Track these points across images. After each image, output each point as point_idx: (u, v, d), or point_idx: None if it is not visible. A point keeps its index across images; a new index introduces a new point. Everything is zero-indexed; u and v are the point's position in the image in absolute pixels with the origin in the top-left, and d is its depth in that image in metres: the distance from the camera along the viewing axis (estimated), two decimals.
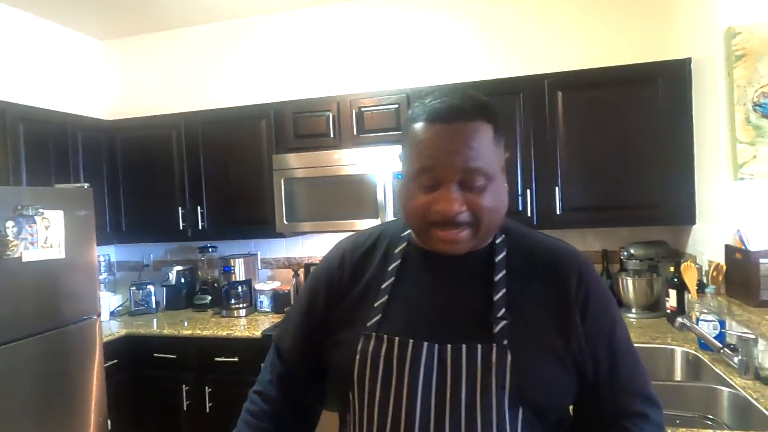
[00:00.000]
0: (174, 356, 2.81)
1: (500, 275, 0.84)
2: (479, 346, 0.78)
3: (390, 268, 0.89)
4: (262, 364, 1.04)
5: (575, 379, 0.82)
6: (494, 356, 0.77)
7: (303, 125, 2.91)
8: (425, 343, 0.80)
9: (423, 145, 0.79)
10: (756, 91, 2.03)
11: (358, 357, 0.83)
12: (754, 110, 2.04)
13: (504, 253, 0.86)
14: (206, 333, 2.76)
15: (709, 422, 1.67)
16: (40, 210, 2.16)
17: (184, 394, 2.78)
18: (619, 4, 2.77)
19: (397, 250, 0.91)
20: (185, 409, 2.78)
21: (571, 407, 0.88)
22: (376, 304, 0.86)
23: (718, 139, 2.14)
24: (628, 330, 0.88)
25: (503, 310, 0.80)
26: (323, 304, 0.92)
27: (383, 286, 0.87)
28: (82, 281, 2.46)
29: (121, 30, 3.46)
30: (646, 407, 0.84)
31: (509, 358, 0.77)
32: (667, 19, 2.68)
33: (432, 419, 0.77)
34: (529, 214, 2.60)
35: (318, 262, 1.02)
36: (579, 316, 0.82)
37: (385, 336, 0.82)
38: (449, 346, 0.79)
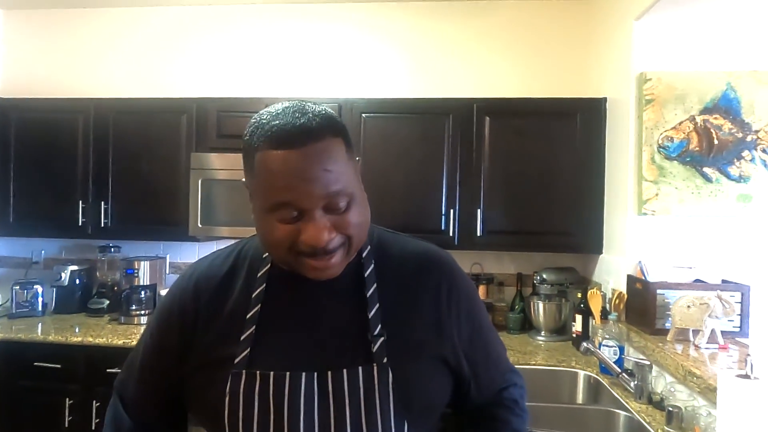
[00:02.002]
0: (59, 365, 2.51)
1: (371, 290, 0.81)
2: (360, 368, 0.76)
3: (254, 295, 0.80)
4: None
5: (452, 378, 0.85)
6: (375, 376, 0.76)
7: (228, 125, 2.77)
8: (303, 374, 0.75)
9: (275, 177, 0.70)
10: (661, 134, 2.21)
11: (228, 399, 0.75)
12: (659, 152, 2.21)
13: (372, 266, 0.83)
14: (99, 341, 2.50)
15: None
16: None
17: (67, 409, 2.50)
18: (547, 39, 2.92)
19: (260, 274, 0.83)
20: (66, 425, 2.49)
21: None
22: (242, 337, 0.78)
23: (626, 175, 2.29)
24: (486, 311, 0.96)
25: (379, 327, 0.78)
26: (177, 343, 0.82)
27: (248, 315, 0.79)
28: None
29: (28, 1, 3.13)
30: (513, 377, 0.97)
31: (390, 375, 0.76)
32: (588, 58, 2.86)
33: None
34: (450, 234, 2.63)
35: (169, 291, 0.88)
36: (454, 321, 0.84)
37: (258, 372, 0.76)
38: (329, 372, 0.76)
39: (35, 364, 2.52)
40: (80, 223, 2.85)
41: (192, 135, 2.81)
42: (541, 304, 2.66)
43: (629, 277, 2.22)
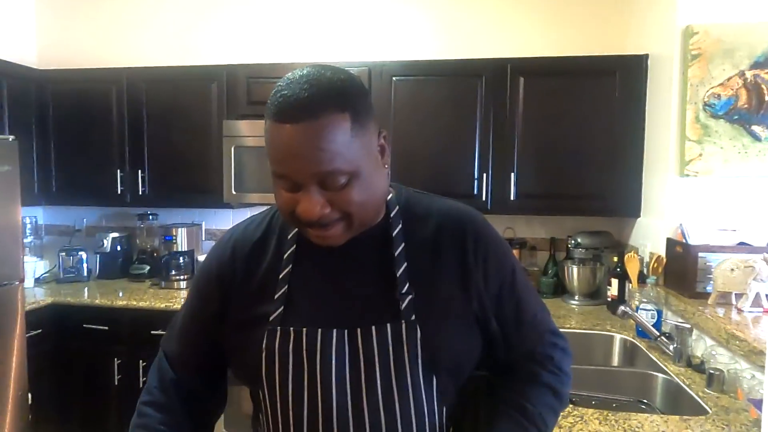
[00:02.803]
0: (106, 328, 2.63)
1: (399, 249, 0.82)
2: (388, 325, 0.78)
3: (286, 256, 0.83)
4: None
5: (481, 337, 0.84)
6: (404, 333, 0.78)
7: (257, 91, 2.77)
8: (334, 331, 0.78)
9: (273, 148, 0.72)
10: (707, 91, 2.11)
11: (264, 354, 0.79)
12: (704, 110, 2.11)
13: (400, 226, 0.83)
14: (142, 304, 2.61)
15: (644, 406, 1.74)
16: None
17: (116, 369, 2.63)
18: None
19: (290, 236, 0.85)
20: (116, 383, 2.63)
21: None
22: (276, 296, 0.81)
23: (668, 135, 2.20)
24: (523, 271, 0.92)
25: (407, 285, 0.79)
26: (217, 303, 0.86)
27: (281, 275, 0.82)
28: (4, 243, 2.24)
29: None
30: (552, 338, 0.91)
31: (419, 332, 0.78)
32: (629, 13, 2.72)
33: (349, 404, 0.77)
34: (483, 198, 2.61)
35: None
36: (481, 275, 0.82)
37: (291, 329, 0.79)
38: (359, 329, 0.78)
39: (84, 326, 2.65)
40: (119, 192, 2.93)
41: (223, 102, 2.82)
42: (575, 268, 2.63)
43: (669, 240, 2.17)
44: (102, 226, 3.30)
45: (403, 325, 0.77)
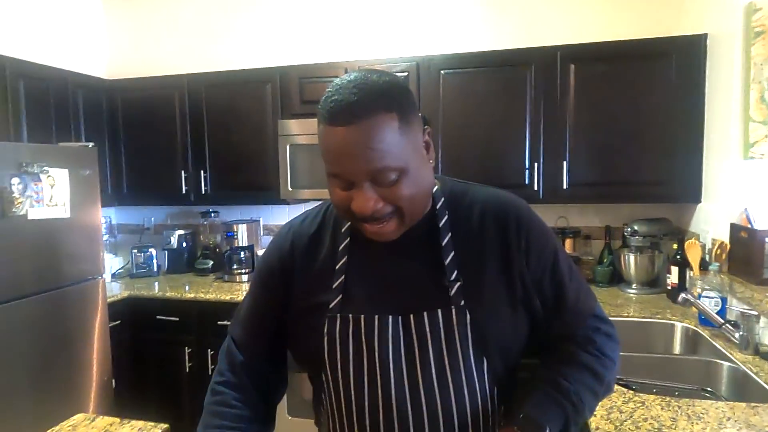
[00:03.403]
0: (176, 319, 2.82)
1: (446, 239, 0.86)
2: (439, 311, 0.83)
3: (341, 248, 0.89)
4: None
5: (527, 320, 0.88)
6: (454, 318, 0.83)
7: (309, 91, 2.87)
8: (389, 317, 0.84)
9: (327, 150, 0.77)
10: None
11: (326, 339, 0.86)
12: None
13: (446, 217, 0.88)
14: (209, 297, 2.77)
15: (708, 394, 1.71)
16: (45, 168, 2.13)
17: (187, 357, 2.82)
18: None
19: (344, 229, 0.91)
20: (187, 370, 2.82)
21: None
22: (334, 286, 0.87)
23: (729, 117, 2.13)
24: (567, 255, 0.93)
25: (455, 272, 0.84)
26: (281, 291, 0.92)
27: (337, 266, 0.88)
28: (87, 241, 2.45)
29: None
30: (596, 322, 0.91)
31: (468, 317, 0.83)
32: None
33: (406, 384, 0.83)
34: (535, 188, 2.60)
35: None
36: (524, 259, 0.86)
37: (350, 316, 0.85)
38: (411, 315, 0.83)
39: (157, 317, 2.85)
40: (183, 191, 3.12)
41: (277, 103, 2.94)
42: (632, 257, 2.58)
43: (733, 225, 2.10)
44: (168, 225, 3.51)
45: (453, 311, 0.83)
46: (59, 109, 2.82)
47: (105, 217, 3.37)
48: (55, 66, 2.89)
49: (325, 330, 0.86)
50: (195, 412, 2.84)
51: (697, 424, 1.25)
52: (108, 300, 2.66)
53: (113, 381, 2.59)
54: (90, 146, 2.50)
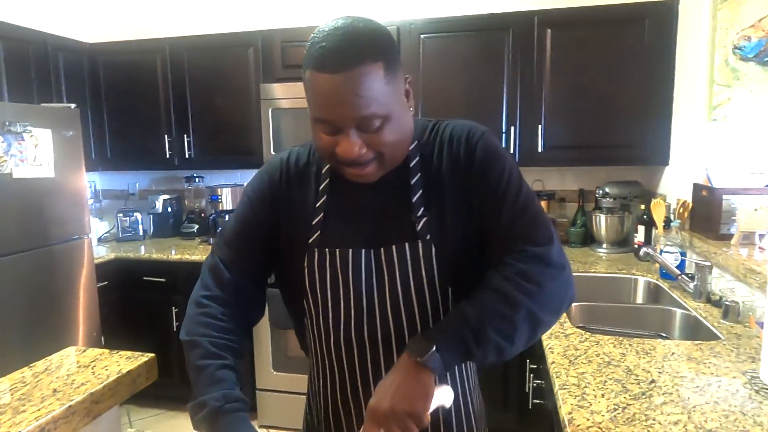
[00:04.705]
0: (163, 280, 2.89)
1: (416, 178, 0.91)
2: (407, 244, 0.90)
3: (321, 188, 0.96)
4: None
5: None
6: (420, 251, 0.89)
7: (292, 55, 2.89)
8: (363, 250, 0.91)
9: (314, 96, 0.80)
10: (737, 33, 2.09)
11: (306, 271, 0.94)
12: (734, 53, 2.10)
13: (417, 158, 0.93)
14: (195, 258, 2.84)
15: (661, 339, 1.83)
16: (28, 127, 2.16)
17: (174, 317, 2.90)
18: None
19: (324, 170, 0.96)
20: (174, 329, 2.90)
21: None
22: (314, 222, 0.94)
23: (696, 80, 2.21)
24: (523, 184, 0.89)
25: (422, 209, 0.90)
26: (269, 215, 0.97)
27: (317, 204, 0.95)
28: (72, 201, 2.49)
29: None
30: (529, 245, 0.84)
31: (433, 249, 0.89)
32: None
33: (377, 307, 0.91)
34: (511, 151, 2.68)
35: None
36: (474, 179, 0.89)
37: (327, 249, 0.92)
38: (382, 248, 0.91)
39: (144, 278, 2.91)
40: (167, 156, 3.15)
41: (259, 67, 2.95)
42: (603, 218, 2.69)
43: (695, 185, 2.20)
44: (153, 190, 3.55)
45: (420, 244, 0.90)
46: (39, 71, 2.81)
47: (90, 181, 3.40)
48: (35, 28, 2.87)
49: (305, 262, 0.93)
50: (183, 370, 2.93)
51: (643, 358, 1.36)
52: (95, 261, 2.71)
53: (102, 339, 2.67)
54: (72, 107, 2.52)
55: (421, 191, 0.92)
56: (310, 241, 0.94)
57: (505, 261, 0.84)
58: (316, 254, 0.93)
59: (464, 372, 1.00)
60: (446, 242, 0.90)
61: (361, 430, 0.77)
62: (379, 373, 0.93)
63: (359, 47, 0.77)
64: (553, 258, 0.84)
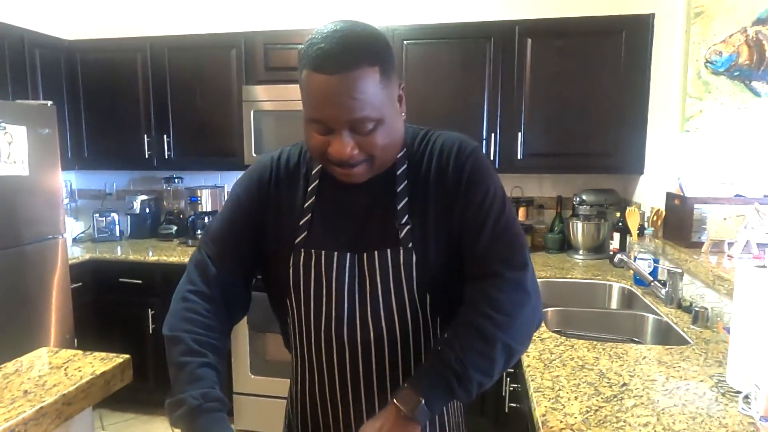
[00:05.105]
0: (140, 281, 2.85)
1: (402, 186, 0.93)
2: (388, 250, 0.91)
3: (310, 189, 0.96)
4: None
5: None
6: (401, 258, 0.91)
7: (274, 57, 2.89)
8: (347, 254, 0.93)
9: (309, 96, 0.82)
10: (709, 48, 2.16)
11: (292, 270, 0.95)
12: (706, 67, 2.17)
13: (405, 166, 0.95)
14: (173, 260, 2.80)
15: (634, 344, 1.88)
16: (2, 124, 2.11)
17: (150, 319, 2.86)
18: None
19: (314, 171, 0.97)
20: (151, 332, 2.86)
21: None
22: (301, 223, 0.95)
23: (670, 92, 2.27)
24: (507, 206, 0.91)
25: (406, 217, 0.91)
26: (257, 214, 0.97)
27: (305, 205, 0.96)
28: (46, 200, 2.44)
29: None
30: (504, 268, 0.85)
31: (414, 257, 0.90)
32: None
33: (357, 311, 0.93)
34: (491, 158, 2.71)
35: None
36: (458, 194, 0.90)
37: (313, 251, 0.94)
38: (365, 253, 0.92)
39: (120, 280, 2.87)
40: (146, 156, 3.11)
41: (242, 68, 2.94)
42: (579, 225, 2.74)
43: (668, 194, 2.26)
44: (131, 190, 3.50)
45: (401, 251, 0.91)
46: (15, 67, 2.75)
47: (66, 181, 3.33)
48: (12, 23, 2.81)
49: (291, 262, 0.94)
50: (159, 374, 2.90)
51: (616, 362, 1.40)
52: (69, 262, 2.66)
53: (75, 341, 2.61)
54: (49, 105, 2.47)
55: (406, 199, 0.93)
56: (297, 241, 0.95)
57: (480, 287, 0.86)
58: (302, 254, 0.94)
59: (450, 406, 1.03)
60: (427, 251, 0.91)
61: None
62: (358, 380, 0.94)
63: (357, 51, 0.79)
64: (527, 285, 0.87)
